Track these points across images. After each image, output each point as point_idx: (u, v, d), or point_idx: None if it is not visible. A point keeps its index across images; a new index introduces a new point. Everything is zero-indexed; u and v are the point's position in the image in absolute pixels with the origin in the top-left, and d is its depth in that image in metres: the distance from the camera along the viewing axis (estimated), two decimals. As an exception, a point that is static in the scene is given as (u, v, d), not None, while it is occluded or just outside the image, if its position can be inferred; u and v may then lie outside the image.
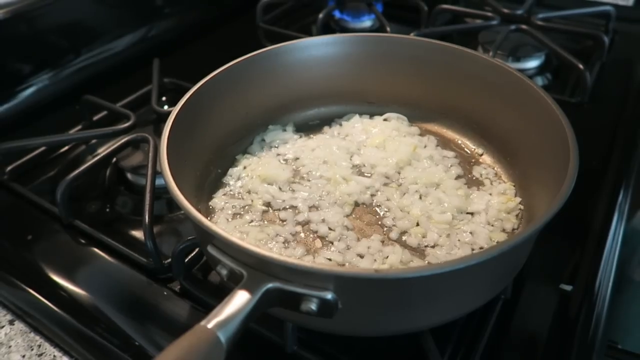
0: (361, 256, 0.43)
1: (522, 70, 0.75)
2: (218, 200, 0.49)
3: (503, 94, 0.49)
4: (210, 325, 0.28)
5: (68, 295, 0.46)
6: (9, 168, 0.59)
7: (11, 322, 0.45)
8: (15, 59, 0.68)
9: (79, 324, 0.44)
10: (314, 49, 0.55)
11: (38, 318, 0.45)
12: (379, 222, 0.47)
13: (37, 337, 0.44)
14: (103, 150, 0.57)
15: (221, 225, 0.46)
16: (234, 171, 0.52)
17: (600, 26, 0.84)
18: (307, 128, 0.58)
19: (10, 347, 0.43)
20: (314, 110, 0.58)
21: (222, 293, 0.31)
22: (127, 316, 0.45)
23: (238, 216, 0.47)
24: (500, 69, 0.50)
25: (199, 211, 0.35)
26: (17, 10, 0.67)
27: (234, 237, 0.31)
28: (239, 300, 0.29)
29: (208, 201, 0.49)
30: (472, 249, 0.43)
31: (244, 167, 0.52)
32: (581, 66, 0.69)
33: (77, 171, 0.53)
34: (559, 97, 0.70)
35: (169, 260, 0.47)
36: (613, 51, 0.80)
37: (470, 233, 0.45)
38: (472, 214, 0.47)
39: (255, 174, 0.51)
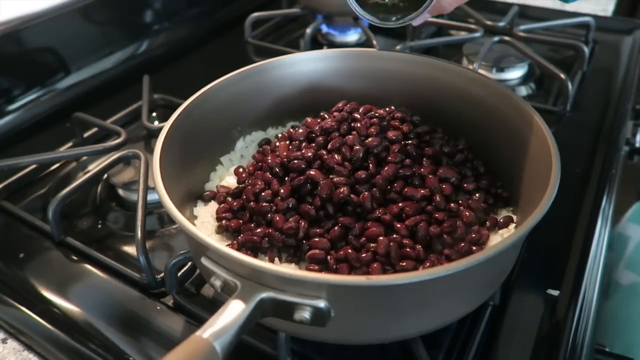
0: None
1: (505, 81, 0.78)
2: (202, 209, 0.49)
3: (486, 105, 0.51)
4: (205, 335, 0.28)
5: (61, 312, 0.47)
6: (-1, 186, 0.59)
7: (4, 341, 0.45)
8: (5, 78, 0.69)
9: (73, 341, 0.44)
10: (303, 64, 0.56)
11: (31, 336, 0.45)
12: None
13: (31, 355, 0.44)
14: (94, 167, 0.57)
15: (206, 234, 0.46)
16: (214, 183, 0.52)
17: (581, 36, 0.86)
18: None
19: (3, 365, 0.43)
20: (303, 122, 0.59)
21: (215, 307, 0.31)
22: (121, 332, 0.45)
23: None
24: (482, 80, 0.51)
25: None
26: (6, 30, 0.67)
27: (228, 248, 0.32)
28: (234, 310, 0.30)
29: (194, 211, 0.49)
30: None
31: (220, 179, 0.53)
32: (563, 76, 0.71)
33: (68, 188, 0.53)
34: (542, 106, 0.72)
35: (162, 274, 0.48)
36: (593, 61, 0.83)
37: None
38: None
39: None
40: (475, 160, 0.50)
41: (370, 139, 0.46)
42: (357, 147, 0.45)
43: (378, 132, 0.47)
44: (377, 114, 0.50)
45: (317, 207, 0.43)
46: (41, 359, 0.44)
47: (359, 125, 0.48)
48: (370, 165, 0.45)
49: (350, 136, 0.47)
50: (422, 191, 0.44)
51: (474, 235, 0.42)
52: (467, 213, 0.43)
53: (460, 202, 0.44)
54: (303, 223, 0.42)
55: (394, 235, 0.41)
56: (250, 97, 0.54)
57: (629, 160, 0.82)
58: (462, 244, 0.41)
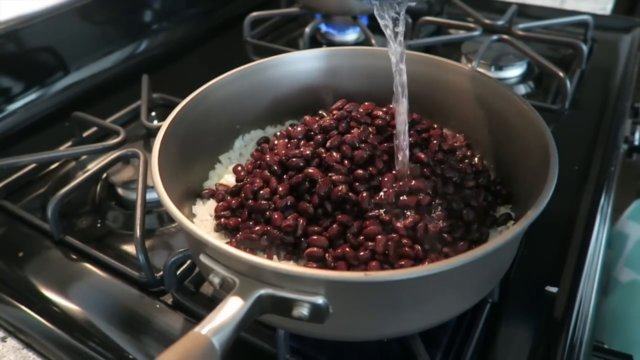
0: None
1: (504, 79, 0.78)
2: (200, 207, 0.49)
3: (485, 102, 0.51)
4: (204, 332, 0.28)
5: (60, 310, 0.47)
6: (-1, 186, 0.59)
7: (3, 339, 0.45)
8: (4, 77, 0.69)
9: (72, 339, 0.44)
10: (301, 62, 0.56)
11: (31, 334, 0.45)
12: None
13: (30, 354, 0.44)
14: (93, 166, 0.57)
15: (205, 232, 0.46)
16: (212, 181, 0.52)
17: (579, 35, 0.86)
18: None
19: (2, 364, 0.43)
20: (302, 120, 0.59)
21: (214, 305, 0.31)
22: (120, 330, 0.45)
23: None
24: (481, 78, 0.51)
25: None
26: (5, 29, 0.67)
27: (227, 245, 0.32)
28: (232, 306, 0.30)
29: (192, 210, 0.49)
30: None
31: (218, 177, 0.53)
32: (561, 74, 0.71)
33: (67, 187, 0.53)
34: (541, 104, 0.72)
35: (161, 273, 0.48)
36: (592, 59, 0.83)
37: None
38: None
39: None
40: (474, 158, 0.50)
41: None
42: (360, 152, 0.45)
43: (379, 141, 0.47)
44: (376, 123, 0.49)
45: (315, 205, 0.43)
46: (41, 357, 0.44)
47: (354, 131, 0.48)
48: (371, 168, 0.45)
49: (349, 135, 0.47)
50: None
51: (474, 234, 0.42)
52: (466, 212, 0.43)
53: (460, 198, 0.44)
54: (301, 221, 0.42)
55: (393, 235, 0.41)
56: (249, 95, 0.54)
57: (628, 158, 0.82)
58: (462, 243, 0.41)
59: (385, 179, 0.44)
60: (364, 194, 0.43)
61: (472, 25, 0.85)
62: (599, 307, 0.54)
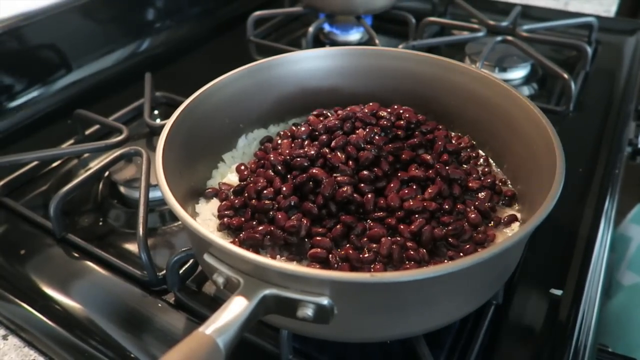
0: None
1: (508, 81, 0.77)
2: (203, 206, 0.49)
3: (490, 104, 0.50)
4: (208, 332, 0.28)
5: (62, 308, 0.46)
6: (1, 183, 0.59)
7: (4, 337, 0.45)
8: (6, 75, 0.69)
9: (74, 338, 0.44)
10: (305, 62, 0.56)
11: (32, 332, 0.45)
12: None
13: (32, 352, 0.44)
14: (96, 164, 0.57)
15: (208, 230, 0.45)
16: (216, 180, 0.52)
17: (583, 37, 0.86)
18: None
19: (4, 362, 0.43)
20: (305, 120, 0.58)
21: (216, 305, 0.31)
22: (122, 329, 0.45)
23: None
24: (487, 79, 0.51)
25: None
26: (8, 27, 0.67)
27: (231, 245, 0.32)
28: (237, 307, 0.30)
29: (195, 209, 0.49)
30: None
31: (222, 176, 0.52)
32: (566, 76, 0.71)
33: (70, 185, 0.53)
34: (545, 106, 0.71)
35: (163, 272, 0.48)
36: (596, 61, 0.83)
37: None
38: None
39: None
40: (479, 158, 0.50)
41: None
42: (366, 152, 0.45)
43: (384, 142, 0.47)
44: (381, 123, 0.49)
45: (319, 205, 0.43)
46: (42, 355, 0.44)
47: (360, 132, 0.47)
48: (376, 170, 0.45)
49: (354, 135, 0.46)
50: (429, 190, 0.43)
51: (480, 236, 0.42)
52: (473, 215, 0.43)
53: (466, 202, 0.44)
54: (305, 221, 0.42)
55: (398, 238, 0.41)
56: (252, 94, 0.54)
57: (632, 161, 0.82)
58: (468, 246, 0.41)
59: (392, 185, 0.44)
60: (369, 196, 0.43)
61: (476, 26, 0.85)
62: (601, 311, 0.54)
